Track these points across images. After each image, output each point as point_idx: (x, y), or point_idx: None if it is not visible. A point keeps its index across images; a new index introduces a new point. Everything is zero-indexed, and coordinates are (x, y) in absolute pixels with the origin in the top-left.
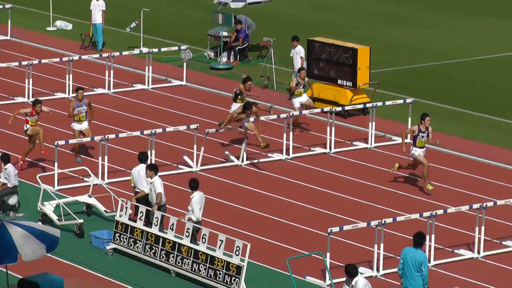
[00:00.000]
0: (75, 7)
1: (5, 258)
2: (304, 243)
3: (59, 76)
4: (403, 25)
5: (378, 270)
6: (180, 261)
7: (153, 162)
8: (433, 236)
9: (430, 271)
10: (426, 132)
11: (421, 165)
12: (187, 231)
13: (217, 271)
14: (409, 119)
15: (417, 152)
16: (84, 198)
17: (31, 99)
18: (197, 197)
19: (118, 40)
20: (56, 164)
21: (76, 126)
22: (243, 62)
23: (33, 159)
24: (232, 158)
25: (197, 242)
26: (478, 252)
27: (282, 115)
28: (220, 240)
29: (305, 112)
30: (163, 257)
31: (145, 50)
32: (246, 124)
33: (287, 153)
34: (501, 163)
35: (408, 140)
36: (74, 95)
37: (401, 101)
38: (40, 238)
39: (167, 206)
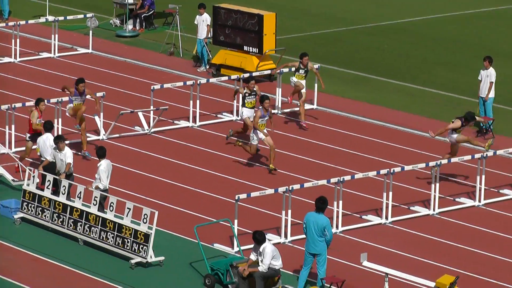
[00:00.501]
0: None
1: None
2: (212, 210)
3: None
4: None
5: (286, 236)
6: (88, 229)
7: (59, 131)
8: (340, 202)
9: (338, 237)
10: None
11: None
12: (94, 200)
13: (125, 239)
14: (315, 85)
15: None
16: None
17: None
18: (105, 165)
19: (24, 8)
20: None
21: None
22: (149, 30)
23: None
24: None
25: (105, 210)
26: (386, 218)
27: (189, 82)
28: (127, 208)
29: (212, 79)
30: (70, 225)
31: (51, 18)
32: (264, 137)
33: (194, 121)
34: (408, 128)
35: None
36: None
37: None
38: None
39: (74, 174)
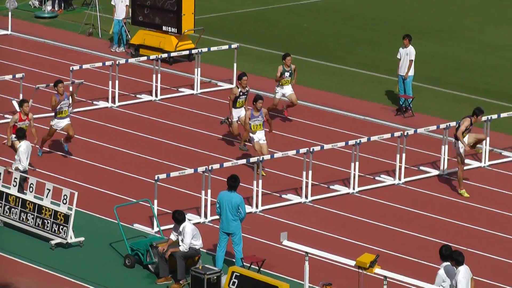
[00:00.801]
0: None
1: None
2: (132, 191)
3: None
4: None
5: (205, 216)
6: (8, 210)
7: None
8: (260, 181)
9: (258, 216)
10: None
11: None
12: (14, 181)
13: (45, 220)
14: (235, 64)
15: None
16: None
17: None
18: (24, 146)
19: None
20: None
21: (58, 124)
22: (67, 10)
23: None
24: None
25: (24, 191)
26: (306, 197)
27: (108, 63)
28: (47, 189)
29: (131, 60)
30: None
31: None
32: (261, 141)
33: (113, 101)
34: (328, 107)
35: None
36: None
37: (226, 47)
38: None
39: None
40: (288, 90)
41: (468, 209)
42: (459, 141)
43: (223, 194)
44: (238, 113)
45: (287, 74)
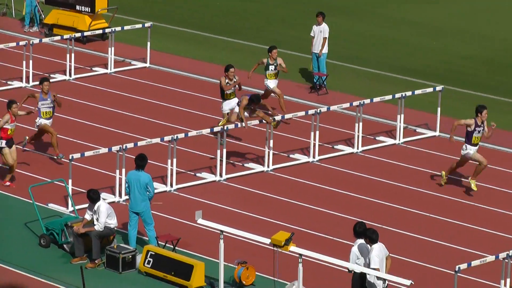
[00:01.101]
0: None
1: None
2: (46, 171)
3: None
4: None
5: (120, 195)
6: None
7: None
8: (174, 160)
9: (172, 195)
10: (482, 126)
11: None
12: None
13: None
14: (148, 43)
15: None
16: None
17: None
18: None
19: None
20: None
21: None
22: None
23: None
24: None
25: None
26: (221, 175)
27: (21, 43)
28: None
29: (45, 39)
30: None
31: None
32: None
33: (27, 81)
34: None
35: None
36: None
37: (139, 26)
38: None
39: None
40: (273, 84)
41: (382, 186)
42: (467, 147)
43: (131, 174)
44: (229, 105)
45: (272, 67)
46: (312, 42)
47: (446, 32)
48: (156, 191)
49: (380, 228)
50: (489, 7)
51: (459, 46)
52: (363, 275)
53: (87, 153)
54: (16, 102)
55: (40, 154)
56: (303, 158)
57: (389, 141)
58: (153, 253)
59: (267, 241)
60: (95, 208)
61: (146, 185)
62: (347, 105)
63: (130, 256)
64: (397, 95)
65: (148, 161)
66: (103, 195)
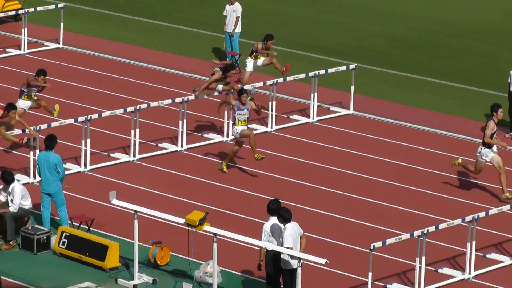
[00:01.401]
0: None
1: None
2: None
3: None
4: None
5: (34, 176)
6: None
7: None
8: (88, 140)
9: (86, 176)
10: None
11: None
12: None
13: None
14: (61, 24)
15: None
16: None
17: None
18: None
19: None
20: None
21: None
22: None
23: None
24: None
25: None
26: (134, 155)
27: None
28: None
29: None
30: None
31: None
32: (240, 130)
33: None
34: (154, 65)
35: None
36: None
37: (52, 7)
38: None
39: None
40: (261, 61)
41: (296, 165)
42: (486, 148)
43: (41, 154)
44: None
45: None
46: (225, 22)
47: (361, 10)
48: (69, 172)
49: (294, 207)
50: None
51: (374, 24)
52: (276, 254)
53: None
54: (15, 108)
55: None
56: (217, 138)
57: (303, 119)
58: (68, 234)
59: (182, 221)
60: (10, 189)
61: (56, 165)
62: (260, 84)
63: (44, 237)
64: (311, 74)
65: (61, 141)
66: (17, 176)
